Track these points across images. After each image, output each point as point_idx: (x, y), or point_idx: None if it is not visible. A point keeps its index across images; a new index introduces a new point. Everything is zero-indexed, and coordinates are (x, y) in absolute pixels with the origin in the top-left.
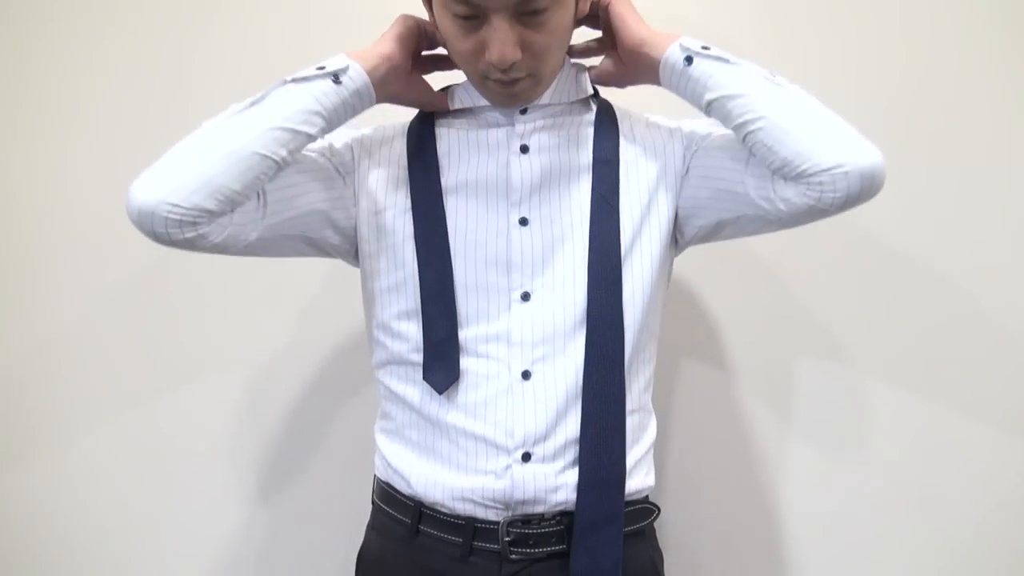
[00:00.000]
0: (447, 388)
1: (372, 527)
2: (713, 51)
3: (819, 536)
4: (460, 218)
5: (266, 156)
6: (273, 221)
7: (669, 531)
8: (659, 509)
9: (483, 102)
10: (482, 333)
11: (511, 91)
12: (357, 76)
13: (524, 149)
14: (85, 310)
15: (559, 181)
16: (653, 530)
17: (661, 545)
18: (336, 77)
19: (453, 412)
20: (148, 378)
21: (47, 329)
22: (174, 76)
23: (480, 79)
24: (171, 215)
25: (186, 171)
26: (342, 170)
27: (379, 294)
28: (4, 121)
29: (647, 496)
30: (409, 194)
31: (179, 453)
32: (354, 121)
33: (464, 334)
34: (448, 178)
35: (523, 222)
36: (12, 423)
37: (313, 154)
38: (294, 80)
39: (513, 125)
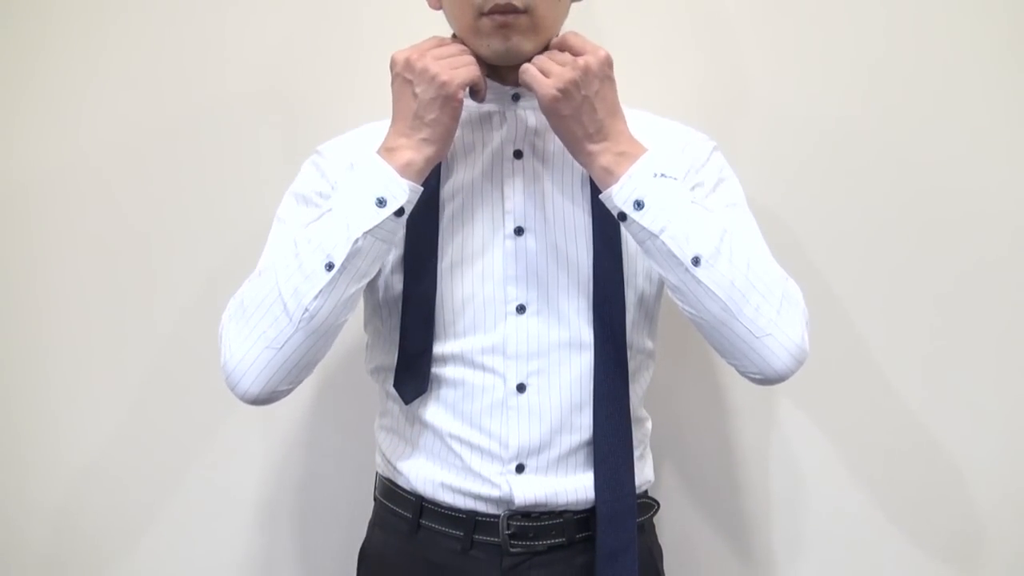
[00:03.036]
0: (414, 399)
1: (374, 523)
2: (647, 216)
3: (818, 535)
4: (457, 228)
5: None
6: None
7: (668, 529)
8: (658, 504)
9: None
10: (478, 345)
11: (506, 28)
12: (414, 195)
13: (518, 154)
14: (87, 310)
15: (553, 188)
16: (653, 526)
17: (660, 543)
18: (400, 211)
19: (449, 420)
20: (148, 378)
21: (48, 329)
22: (176, 73)
23: (475, 19)
24: (277, 397)
25: (287, 362)
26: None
27: (379, 307)
28: (4, 120)
29: (647, 491)
30: None
31: (179, 453)
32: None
33: (461, 345)
34: (446, 187)
35: (518, 232)
36: (12, 424)
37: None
38: (365, 233)
39: (504, 116)
